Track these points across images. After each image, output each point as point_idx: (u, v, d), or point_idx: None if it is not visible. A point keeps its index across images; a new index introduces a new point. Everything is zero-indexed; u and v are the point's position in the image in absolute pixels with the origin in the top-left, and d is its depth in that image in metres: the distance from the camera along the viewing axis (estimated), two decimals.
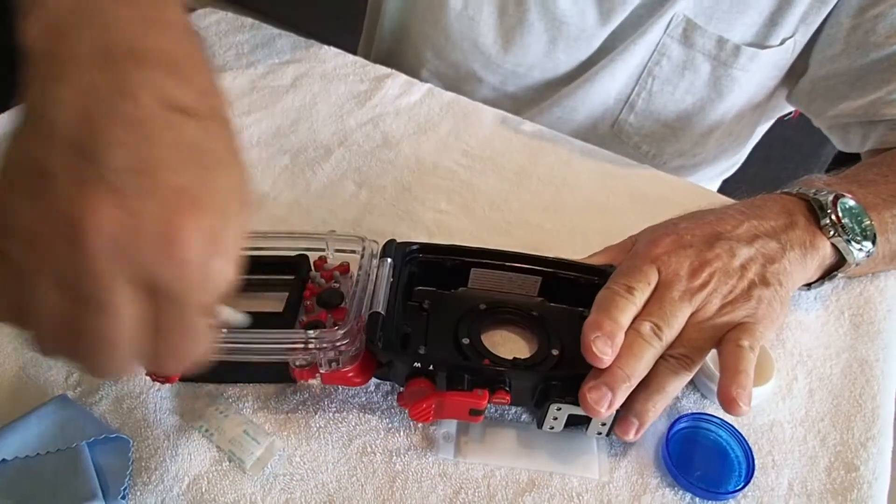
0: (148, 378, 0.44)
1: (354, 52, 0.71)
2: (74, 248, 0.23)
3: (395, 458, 0.43)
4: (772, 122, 0.80)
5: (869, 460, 0.45)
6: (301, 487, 0.42)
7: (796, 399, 0.48)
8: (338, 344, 0.40)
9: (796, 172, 1.47)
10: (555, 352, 0.44)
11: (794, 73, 0.67)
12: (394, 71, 0.69)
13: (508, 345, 0.48)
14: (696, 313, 0.42)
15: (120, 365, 0.26)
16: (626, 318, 0.40)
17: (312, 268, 0.48)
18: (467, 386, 0.40)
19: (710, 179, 0.85)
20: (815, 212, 0.47)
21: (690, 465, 0.42)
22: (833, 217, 0.46)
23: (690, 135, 0.73)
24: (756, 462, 0.44)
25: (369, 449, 0.43)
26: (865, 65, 0.59)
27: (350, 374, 0.41)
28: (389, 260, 0.45)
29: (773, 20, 0.62)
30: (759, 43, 0.64)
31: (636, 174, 0.62)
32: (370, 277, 0.44)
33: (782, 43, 0.63)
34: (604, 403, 0.39)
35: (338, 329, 0.40)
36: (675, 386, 0.41)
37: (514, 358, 0.44)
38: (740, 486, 0.42)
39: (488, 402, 0.40)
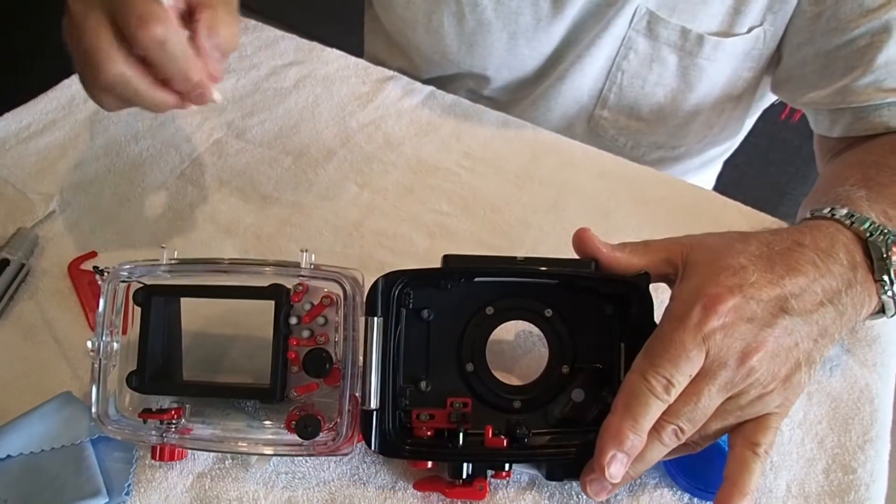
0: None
1: (355, 55, 0.72)
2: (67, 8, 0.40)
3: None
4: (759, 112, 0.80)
5: (866, 463, 0.45)
6: (303, 486, 0.42)
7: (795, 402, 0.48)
8: (337, 446, 0.40)
9: (796, 176, 1.47)
10: (565, 369, 0.43)
11: (774, 64, 0.68)
12: (395, 73, 0.70)
13: (516, 359, 0.48)
14: (728, 400, 0.38)
15: (113, 68, 0.38)
16: (652, 422, 0.37)
17: (291, 301, 0.43)
18: (469, 473, 0.41)
19: (697, 169, 0.85)
20: (871, 256, 0.43)
21: (690, 467, 0.43)
22: (889, 274, 0.42)
23: (665, 127, 0.73)
24: None
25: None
26: (830, 51, 0.59)
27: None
28: (377, 320, 0.40)
29: (737, 8, 0.62)
30: (725, 32, 0.64)
31: (638, 176, 0.62)
32: (359, 331, 0.41)
33: (749, 31, 0.63)
34: (603, 495, 0.39)
35: (334, 436, 0.40)
36: (670, 458, 0.40)
37: (519, 392, 0.43)
38: None
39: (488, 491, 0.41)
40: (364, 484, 0.42)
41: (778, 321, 0.38)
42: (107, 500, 0.40)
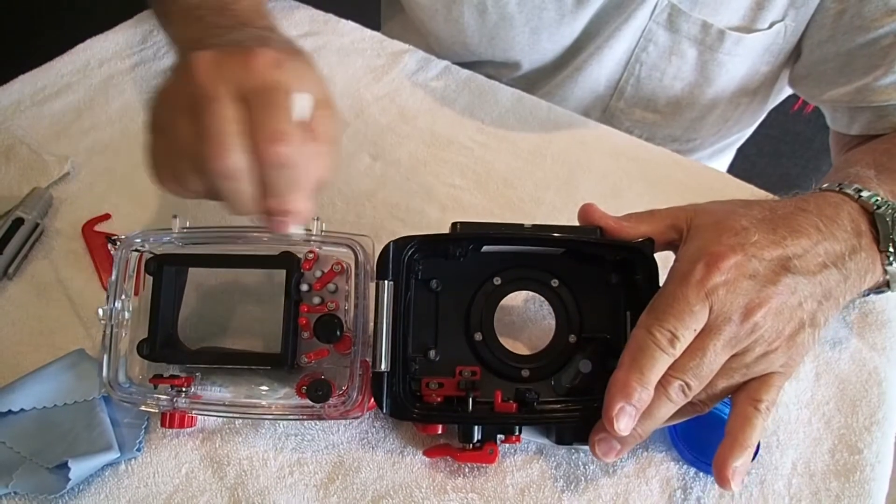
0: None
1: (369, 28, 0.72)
2: (189, 77, 0.35)
3: (405, 423, 0.44)
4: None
5: (872, 444, 0.45)
6: (312, 448, 0.43)
7: (803, 382, 0.48)
8: (347, 410, 0.40)
9: (807, 168, 1.47)
10: (572, 338, 0.43)
11: (793, 60, 0.67)
12: (411, 47, 0.69)
13: (524, 329, 0.48)
14: (733, 358, 0.38)
15: (234, 160, 0.34)
16: (658, 376, 0.37)
17: (302, 269, 0.43)
18: (478, 436, 0.41)
19: (709, 157, 0.85)
20: (877, 227, 0.44)
21: (696, 441, 0.43)
22: (895, 246, 0.43)
23: (681, 120, 0.73)
24: (761, 441, 0.44)
25: (381, 413, 0.44)
26: (852, 50, 0.58)
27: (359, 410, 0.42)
28: (388, 283, 0.41)
29: (760, 4, 0.62)
30: (747, 27, 0.63)
31: (651, 157, 0.62)
32: (370, 298, 0.41)
33: (771, 27, 0.63)
34: (612, 455, 0.39)
35: (344, 399, 0.40)
36: (678, 421, 0.41)
37: (527, 361, 0.43)
38: None
39: (498, 455, 0.41)
40: (373, 448, 0.43)
41: (781, 279, 0.39)
42: (118, 455, 0.40)
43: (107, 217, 0.52)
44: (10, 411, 0.41)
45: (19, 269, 0.49)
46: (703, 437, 0.43)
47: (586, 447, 0.42)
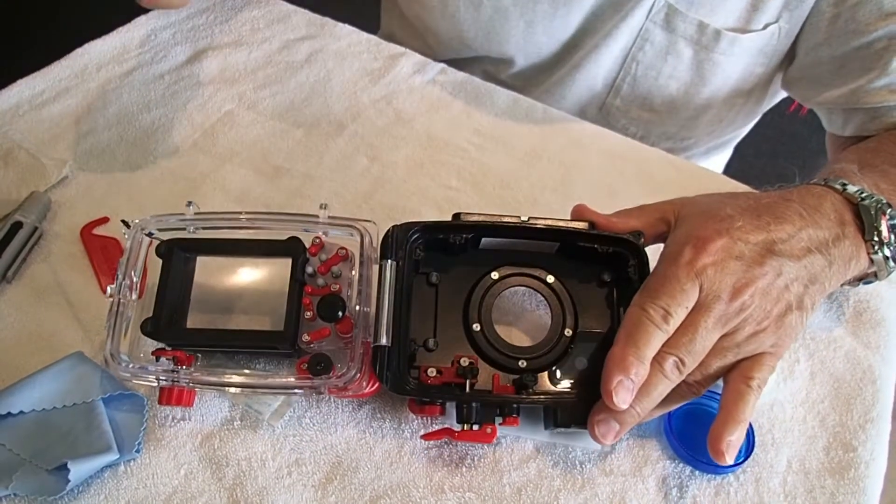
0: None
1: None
2: None
3: (403, 424, 0.44)
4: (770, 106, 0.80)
5: (867, 441, 0.46)
6: (310, 448, 0.43)
7: (798, 381, 0.48)
8: (346, 385, 0.40)
9: (804, 168, 1.48)
10: (568, 332, 0.44)
11: (787, 62, 0.68)
12: (407, 50, 0.70)
13: (521, 323, 0.48)
14: (724, 337, 0.40)
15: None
16: (654, 351, 0.39)
17: (307, 254, 0.45)
18: (476, 417, 0.41)
19: (703, 155, 0.85)
20: (862, 218, 0.45)
21: (692, 439, 0.43)
22: (880, 235, 0.44)
23: (677, 118, 0.74)
24: (756, 439, 0.45)
25: (379, 414, 0.44)
26: (847, 53, 0.59)
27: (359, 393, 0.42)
28: (391, 263, 0.42)
29: (755, 5, 0.62)
30: (741, 28, 0.64)
31: (646, 157, 0.62)
32: (372, 285, 0.42)
33: (765, 28, 0.64)
34: (611, 437, 0.40)
35: (344, 375, 0.40)
36: (676, 404, 0.42)
37: (525, 352, 0.44)
38: (740, 461, 0.43)
39: (496, 434, 0.41)
40: (371, 448, 0.43)
41: (767, 261, 0.40)
42: (118, 456, 0.40)
43: (105, 220, 0.53)
44: (9, 413, 0.41)
45: (18, 272, 0.49)
46: (698, 436, 0.43)
47: (583, 442, 0.43)
